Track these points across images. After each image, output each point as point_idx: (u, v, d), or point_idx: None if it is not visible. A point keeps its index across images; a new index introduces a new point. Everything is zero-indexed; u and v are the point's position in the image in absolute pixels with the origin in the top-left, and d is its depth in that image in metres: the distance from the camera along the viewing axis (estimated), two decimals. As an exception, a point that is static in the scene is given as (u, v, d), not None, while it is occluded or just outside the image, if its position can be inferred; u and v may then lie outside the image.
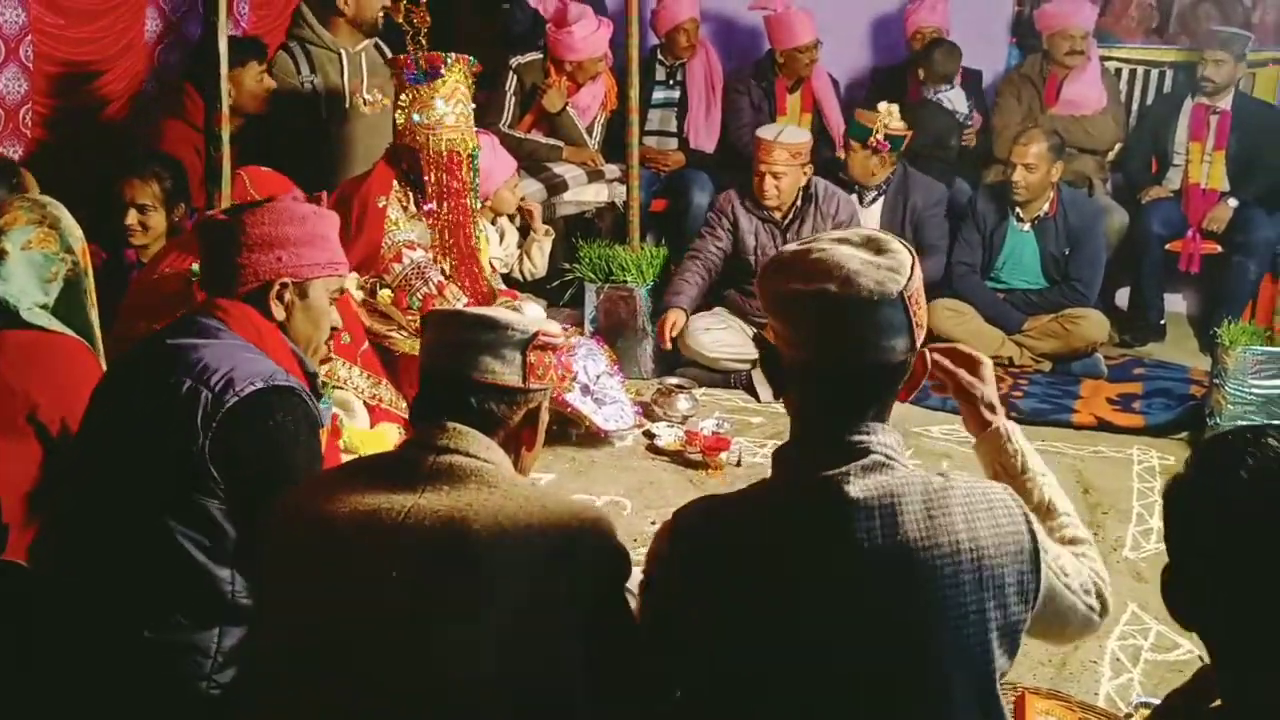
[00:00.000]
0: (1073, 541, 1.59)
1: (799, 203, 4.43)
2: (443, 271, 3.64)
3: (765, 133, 4.42)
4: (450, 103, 3.57)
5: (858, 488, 1.37)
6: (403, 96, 3.57)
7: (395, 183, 3.61)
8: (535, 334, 1.62)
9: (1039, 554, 1.42)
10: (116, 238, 3.54)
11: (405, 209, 3.62)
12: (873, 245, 1.46)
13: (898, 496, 1.37)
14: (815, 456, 1.42)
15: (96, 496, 1.92)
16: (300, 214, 2.03)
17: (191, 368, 1.85)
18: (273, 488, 1.74)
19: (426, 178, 3.57)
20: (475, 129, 3.79)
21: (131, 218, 3.51)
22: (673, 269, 4.65)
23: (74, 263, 2.43)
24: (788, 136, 4.37)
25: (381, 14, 4.34)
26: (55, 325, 2.39)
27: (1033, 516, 1.45)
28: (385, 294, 3.54)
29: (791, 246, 1.49)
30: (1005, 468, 1.64)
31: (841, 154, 4.85)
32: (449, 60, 3.56)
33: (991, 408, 1.67)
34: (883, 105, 4.65)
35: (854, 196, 4.68)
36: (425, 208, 3.62)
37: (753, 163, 4.40)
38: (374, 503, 1.51)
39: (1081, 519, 1.67)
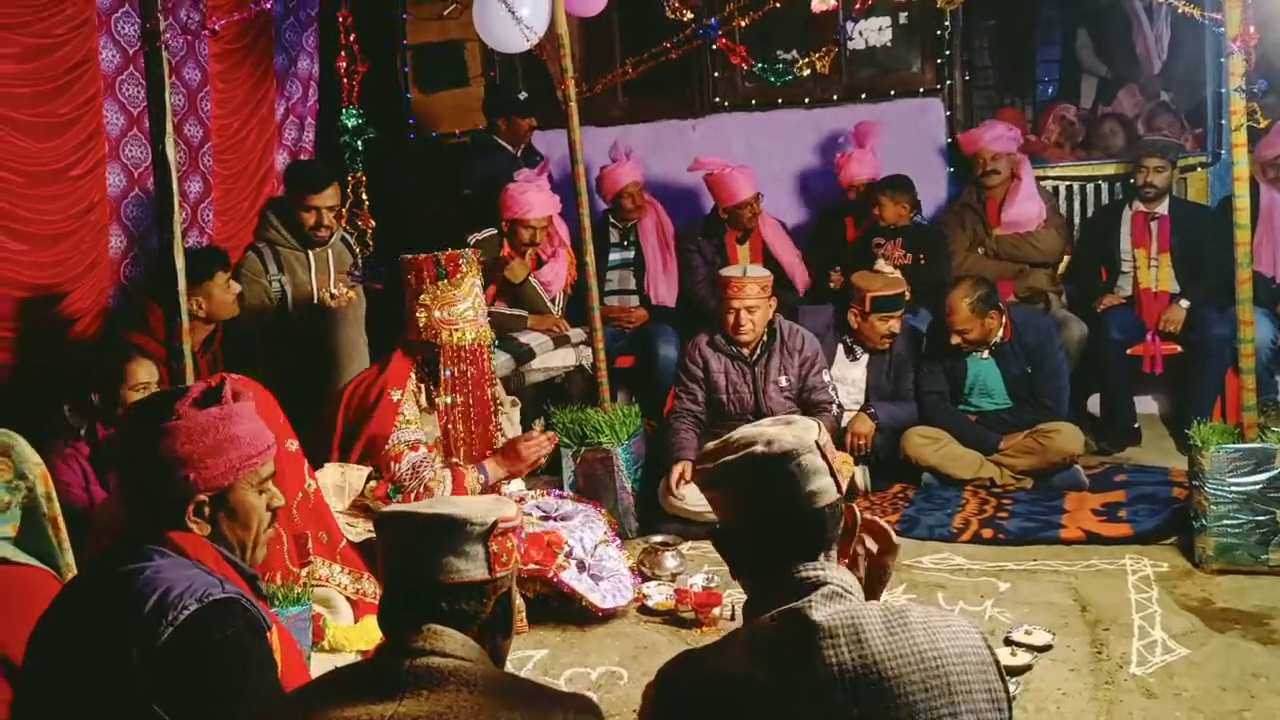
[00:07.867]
0: None
1: (765, 338, 4.59)
2: (455, 463, 3.65)
3: (731, 271, 4.63)
4: (470, 298, 3.64)
5: (821, 614, 1.50)
6: (423, 295, 3.58)
7: (412, 376, 3.64)
8: (494, 523, 1.62)
9: (1000, 665, 1.55)
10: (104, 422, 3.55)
11: (418, 403, 3.66)
12: (780, 420, 1.69)
13: (858, 618, 1.51)
14: (779, 595, 1.54)
15: None
16: (200, 426, 1.91)
17: (125, 595, 1.78)
18: (227, 708, 1.69)
19: (445, 372, 3.62)
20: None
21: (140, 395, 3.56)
22: (647, 425, 4.67)
23: (28, 489, 2.41)
24: (754, 271, 4.61)
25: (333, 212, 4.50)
26: (20, 556, 2.36)
27: (987, 636, 1.57)
28: (372, 485, 3.51)
29: (711, 443, 1.70)
30: None
31: (854, 320, 4.82)
32: (466, 256, 3.64)
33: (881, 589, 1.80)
34: (884, 266, 4.89)
35: (840, 350, 4.88)
36: (438, 401, 3.65)
37: (722, 303, 4.57)
38: (353, 715, 1.49)
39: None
